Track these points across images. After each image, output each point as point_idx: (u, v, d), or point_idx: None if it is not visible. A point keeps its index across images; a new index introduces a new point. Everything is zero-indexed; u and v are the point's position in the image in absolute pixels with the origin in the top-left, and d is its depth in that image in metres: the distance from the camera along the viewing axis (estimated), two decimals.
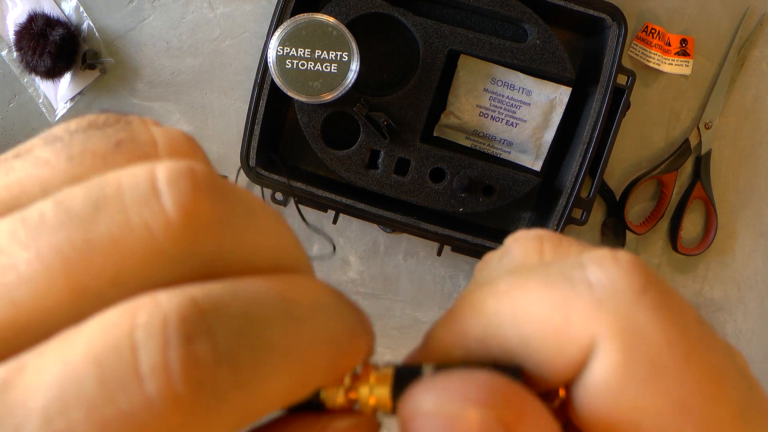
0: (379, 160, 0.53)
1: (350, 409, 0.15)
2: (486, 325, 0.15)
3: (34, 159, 0.14)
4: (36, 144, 0.14)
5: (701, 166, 0.59)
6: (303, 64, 0.49)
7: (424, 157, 0.53)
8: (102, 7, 0.59)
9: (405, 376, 0.15)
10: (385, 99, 0.52)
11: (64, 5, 0.59)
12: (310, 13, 0.49)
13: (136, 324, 0.11)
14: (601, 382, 0.14)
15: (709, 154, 0.59)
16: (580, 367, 0.14)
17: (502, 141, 0.55)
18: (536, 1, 0.51)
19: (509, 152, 0.56)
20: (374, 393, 0.15)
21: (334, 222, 0.57)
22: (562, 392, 0.15)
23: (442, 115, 0.55)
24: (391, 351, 0.63)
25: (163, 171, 0.13)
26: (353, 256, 0.62)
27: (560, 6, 0.51)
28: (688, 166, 0.60)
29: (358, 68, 0.49)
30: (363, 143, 0.53)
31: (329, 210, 0.55)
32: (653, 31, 0.57)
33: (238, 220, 0.13)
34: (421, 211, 0.55)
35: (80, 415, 0.11)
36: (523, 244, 0.17)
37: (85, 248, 0.12)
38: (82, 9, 0.59)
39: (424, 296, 0.63)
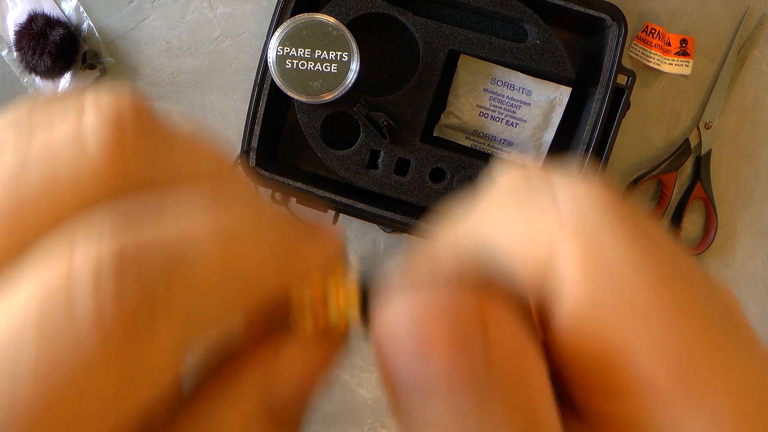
0: (379, 160, 0.53)
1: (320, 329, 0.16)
2: (460, 250, 0.15)
3: None
4: None
5: (701, 166, 0.59)
6: (303, 64, 0.49)
7: (424, 157, 0.53)
8: (102, 7, 0.59)
9: (370, 295, 0.16)
10: (385, 99, 0.52)
11: (64, 5, 0.59)
12: (310, 13, 0.49)
13: (71, 272, 0.12)
14: (570, 313, 0.13)
15: (709, 154, 0.59)
16: (545, 280, 0.14)
17: (502, 141, 0.55)
18: (536, 1, 0.51)
19: (509, 152, 0.56)
20: (343, 313, 0.16)
21: (334, 222, 0.57)
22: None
23: (442, 115, 0.55)
24: None
25: (88, 115, 0.13)
26: (353, 256, 0.62)
27: (560, 6, 0.51)
28: (688, 166, 0.60)
29: (358, 68, 0.49)
30: (363, 143, 0.53)
31: (329, 210, 0.55)
32: (653, 31, 0.57)
33: (161, 148, 0.14)
34: (421, 211, 0.55)
35: (22, 370, 0.11)
36: (508, 175, 0.16)
37: (16, 198, 0.12)
38: (82, 9, 0.59)
39: None
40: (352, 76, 0.49)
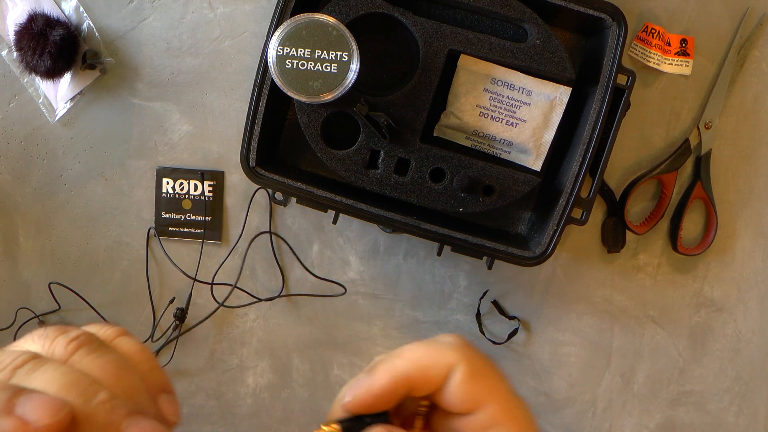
0: (379, 160, 0.53)
1: None
2: (403, 370, 0.29)
3: None
4: None
5: (701, 166, 0.59)
6: (303, 64, 0.49)
7: (424, 157, 0.53)
8: (102, 7, 0.59)
9: None
10: (385, 99, 0.52)
11: (64, 5, 0.59)
12: (310, 13, 0.49)
13: None
14: (460, 384, 0.28)
15: (709, 154, 0.59)
16: (446, 377, 0.29)
17: (502, 141, 0.55)
18: (536, 1, 0.51)
19: (509, 152, 0.56)
20: None
21: (334, 222, 0.57)
22: (426, 402, 0.30)
23: (442, 115, 0.55)
24: (391, 351, 0.63)
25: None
26: (353, 256, 0.62)
27: (560, 6, 0.51)
28: (688, 166, 0.60)
29: (358, 68, 0.49)
30: (363, 143, 0.53)
31: (329, 210, 0.55)
32: (653, 31, 0.57)
33: None
34: (421, 211, 0.55)
35: None
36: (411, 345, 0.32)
37: None
38: (82, 9, 0.59)
39: (424, 296, 0.63)
40: (352, 76, 0.49)
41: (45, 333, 0.25)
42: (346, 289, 0.62)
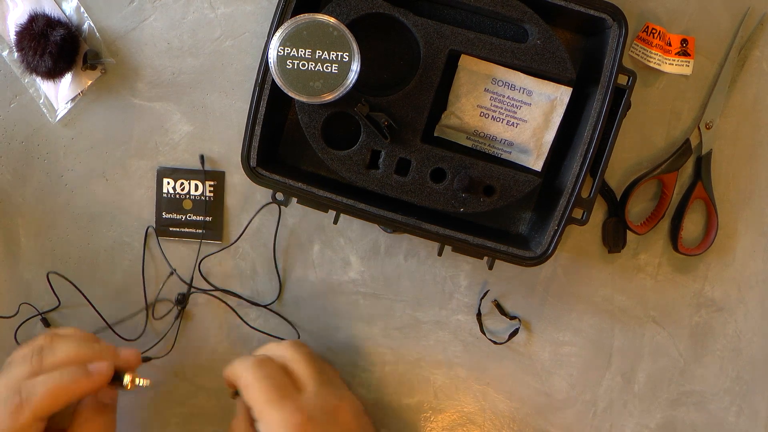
0: (380, 160, 0.53)
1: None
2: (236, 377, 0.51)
3: None
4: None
5: (702, 166, 0.59)
6: (304, 65, 0.49)
7: (424, 158, 0.53)
8: (103, 7, 0.59)
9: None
10: (385, 99, 0.52)
11: (64, 5, 0.59)
12: (311, 14, 0.49)
13: None
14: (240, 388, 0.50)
15: (709, 154, 0.59)
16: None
17: (503, 141, 0.55)
18: (537, 1, 0.51)
19: (510, 152, 0.56)
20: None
21: (335, 222, 0.57)
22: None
23: (442, 116, 0.55)
24: (392, 351, 0.63)
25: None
26: (354, 256, 0.62)
27: (561, 6, 0.51)
28: (688, 166, 0.60)
29: (358, 68, 0.49)
30: (364, 143, 0.53)
31: (330, 210, 0.55)
32: (654, 31, 0.57)
33: None
34: (421, 211, 0.55)
35: None
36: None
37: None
38: (82, 9, 0.59)
39: (425, 296, 0.63)
40: (352, 76, 0.49)
41: (33, 341, 0.47)
42: (299, 336, 0.63)
